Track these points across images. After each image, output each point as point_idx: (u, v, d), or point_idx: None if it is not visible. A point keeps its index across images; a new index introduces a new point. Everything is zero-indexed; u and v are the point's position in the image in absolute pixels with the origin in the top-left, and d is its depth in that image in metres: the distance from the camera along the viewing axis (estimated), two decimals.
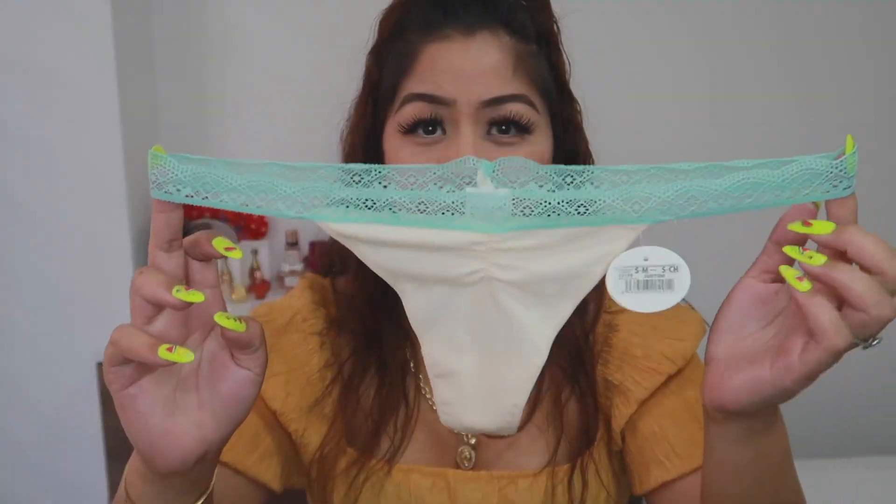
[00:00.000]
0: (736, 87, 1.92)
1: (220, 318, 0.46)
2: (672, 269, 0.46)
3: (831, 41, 1.90)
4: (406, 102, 0.65)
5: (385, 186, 0.46)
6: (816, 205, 0.44)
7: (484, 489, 0.71)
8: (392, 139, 0.67)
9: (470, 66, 0.64)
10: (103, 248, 1.76)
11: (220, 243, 0.47)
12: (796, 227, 0.44)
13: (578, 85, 0.73)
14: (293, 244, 1.90)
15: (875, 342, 0.43)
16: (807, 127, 1.93)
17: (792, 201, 0.43)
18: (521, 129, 0.65)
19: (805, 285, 0.42)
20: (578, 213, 0.45)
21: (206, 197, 0.45)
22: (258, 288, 1.87)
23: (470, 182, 0.45)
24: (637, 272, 0.46)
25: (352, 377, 0.74)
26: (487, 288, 0.48)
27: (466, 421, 0.53)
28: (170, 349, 0.44)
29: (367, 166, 0.47)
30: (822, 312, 0.42)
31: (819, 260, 0.42)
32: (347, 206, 0.46)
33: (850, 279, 0.41)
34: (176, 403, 0.48)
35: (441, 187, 0.45)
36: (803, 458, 1.82)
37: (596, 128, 0.75)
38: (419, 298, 0.50)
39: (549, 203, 0.44)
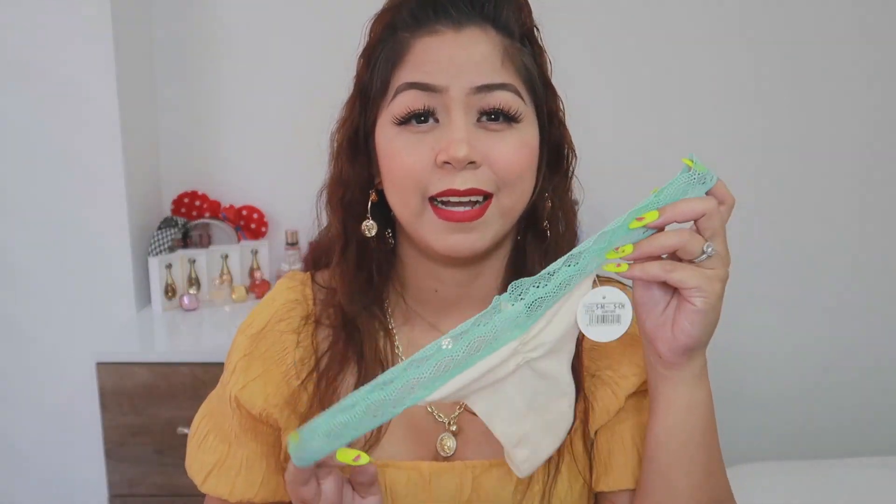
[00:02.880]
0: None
1: (342, 456, 0.56)
2: (620, 305, 0.60)
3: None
4: (399, 92, 0.68)
5: (442, 346, 0.58)
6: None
7: (458, 478, 0.72)
8: (386, 130, 0.69)
9: (461, 55, 0.67)
10: (103, 249, 1.76)
11: (343, 455, 0.57)
12: (635, 225, 0.59)
13: (559, 85, 0.76)
14: (293, 244, 1.90)
15: (708, 249, 0.59)
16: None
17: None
18: (509, 118, 0.68)
19: (623, 266, 0.60)
20: (561, 289, 0.60)
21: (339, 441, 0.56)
22: (258, 288, 1.87)
23: (497, 311, 0.59)
24: (597, 308, 0.60)
25: (329, 368, 0.75)
26: (527, 368, 0.61)
27: (543, 458, 0.64)
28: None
29: (424, 353, 0.59)
30: (654, 270, 0.59)
31: (629, 250, 0.59)
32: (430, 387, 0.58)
33: (661, 243, 0.59)
34: None
35: (477, 325, 0.59)
36: (804, 458, 1.82)
37: (577, 125, 0.78)
38: (482, 402, 0.61)
39: (545, 295, 0.59)
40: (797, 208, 1.97)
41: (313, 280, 0.80)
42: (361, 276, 0.75)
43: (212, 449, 0.77)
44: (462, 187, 0.65)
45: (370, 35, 0.73)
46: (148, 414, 1.53)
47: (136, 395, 1.53)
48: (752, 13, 1.89)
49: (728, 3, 1.89)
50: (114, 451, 1.55)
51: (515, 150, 0.68)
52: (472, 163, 0.65)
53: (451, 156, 0.64)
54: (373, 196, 0.74)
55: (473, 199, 0.66)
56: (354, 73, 0.74)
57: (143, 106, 1.87)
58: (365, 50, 0.73)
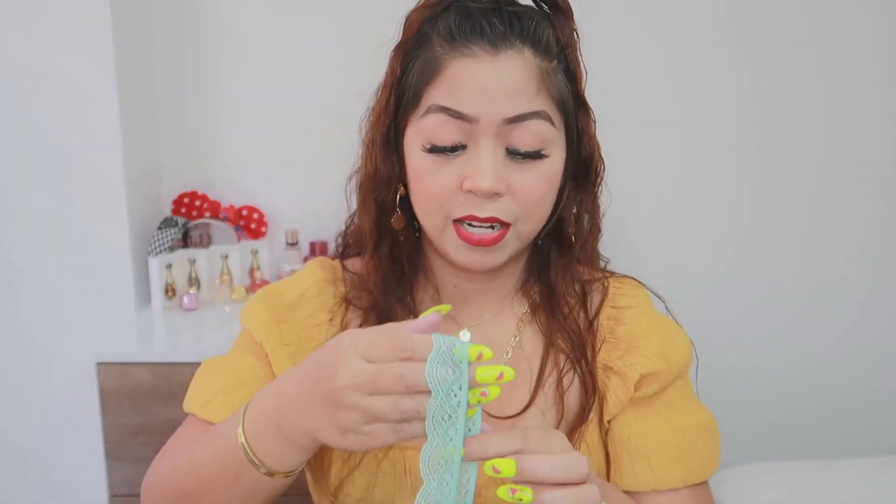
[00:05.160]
0: (752, 90, 1.92)
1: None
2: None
3: (848, 40, 1.89)
4: (430, 112, 0.68)
5: None
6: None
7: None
8: (414, 148, 0.70)
9: (494, 84, 0.66)
10: (103, 249, 1.76)
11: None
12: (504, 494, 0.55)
13: (590, 88, 0.75)
14: (293, 244, 1.90)
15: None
16: (822, 135, 1.93)
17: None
18: (536, 156, 0.69)
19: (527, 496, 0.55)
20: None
21: None
22: (258, 288, 1.87)
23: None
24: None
25: None
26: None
27: None
28: None
29: None
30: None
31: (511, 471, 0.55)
32: None
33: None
34: None
35: None
36: (804, 457, 1.81)
37: (608, 129, 0.79)
38: None
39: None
40: (799, 209, 1.97)
41: (343, 266, 0.82)
42: (395, 269, 0.77)
43: (220, 378, 0.75)
44: (483, 215, 0.68)
45: (404, 31, 0.73)
46: (148, 414, 1.53)
47: (136, 395, 1.53)
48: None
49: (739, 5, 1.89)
50: (114, 451, 1.55)
51: (538, 180, 0.69)
52: (495, 194, 0.67)
53: (476, 186, 0.66)
54: (401, 190, 0.75)
55: (493, 225, 0.69)
56: (387, 66, 0.74)
57: (143, 106, 1.87)
58: (398, 45, 0.73)
